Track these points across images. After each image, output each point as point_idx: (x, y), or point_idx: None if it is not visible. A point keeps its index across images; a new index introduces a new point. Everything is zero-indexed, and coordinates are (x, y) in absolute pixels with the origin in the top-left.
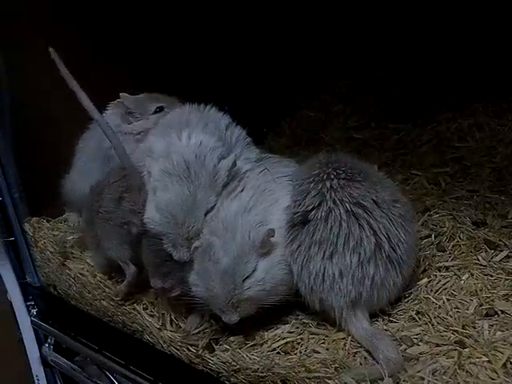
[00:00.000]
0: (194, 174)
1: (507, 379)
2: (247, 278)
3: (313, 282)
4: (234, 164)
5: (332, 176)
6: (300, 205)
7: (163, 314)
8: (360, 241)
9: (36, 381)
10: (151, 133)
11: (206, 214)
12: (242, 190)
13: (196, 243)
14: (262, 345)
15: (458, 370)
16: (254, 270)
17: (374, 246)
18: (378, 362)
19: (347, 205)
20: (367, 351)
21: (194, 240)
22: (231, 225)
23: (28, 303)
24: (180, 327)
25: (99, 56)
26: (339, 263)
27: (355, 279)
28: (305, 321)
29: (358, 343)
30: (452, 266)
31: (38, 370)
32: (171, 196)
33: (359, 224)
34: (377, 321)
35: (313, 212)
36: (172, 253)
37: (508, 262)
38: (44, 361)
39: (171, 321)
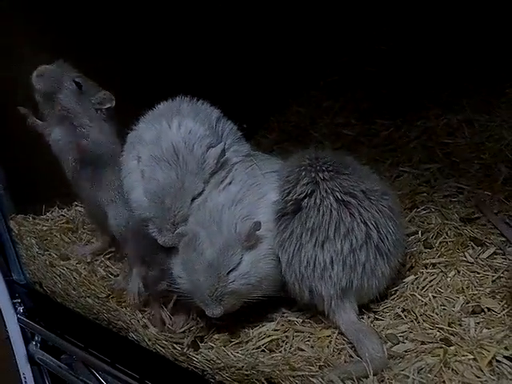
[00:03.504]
0: (182, 160)
1: (493, 377)
2: (232, 270)
3: (304, 270)
4: (223, 153)
5: (323, 168)
6: (290, 193)
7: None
8: (351, 228)
9: (23, 379)
10: (142, 121)
11: (192, 200)
12: (230, 183)
13: (180, 229)
14: (246, 342)
15: (443, 368)
16: (238, 263)
17: (365, 234)
18: (362, 359)
19: (338, 194)
20: (352, 347)
21: (180, 225)
22: (218, 217)
23: (14, 301)
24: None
25: (90, 52)
26: (330, 250)
27: (346, 267)
28: (290, 318)
29: (343, 340)
30: (439, 263)
31: (24, 368)
32: (159, 180)
33: (350, 213)
34: (362, 318)
35: (305, 200)
36: (157, 237)
37: (495, 259)
38: (31, 359)
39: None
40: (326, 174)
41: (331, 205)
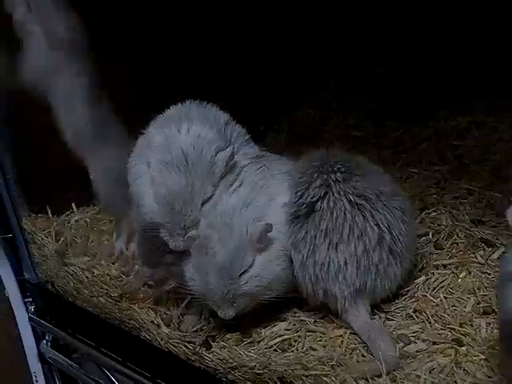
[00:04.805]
0: (191, 165)
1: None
2: (244, 272)
3: (318, 271)
4: (232, 156)
5: (335, 169)
6: (303, 195)
7: (161, 311)
8: (364, 230)
9: (34, 377)
10: (151, 126)
11: (202, 204)
12: (241, 185)
13: (190, 233)
14: (259, 342)
15: (454, 368)
16: (250, 265)
17: (378, 236)
18: (375, 358)
19: (350, 196)
20: (364, 347)
21: (191, 229)
22: (229, 219)
23: (26, 300)
24: (174, 324)
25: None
26: (345, 252)
27: (360, 267)
28: (302, 318)
29: (356, 340)
30: (449, 264)
31: (35, 366)
32: (169, 185)
33: (363, 215)
34: (374, 319)
35: (318, 203)
36: (168, 242)
37: None
38: (42, 358)
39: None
40: (339, 176)
41: (344, 207)
